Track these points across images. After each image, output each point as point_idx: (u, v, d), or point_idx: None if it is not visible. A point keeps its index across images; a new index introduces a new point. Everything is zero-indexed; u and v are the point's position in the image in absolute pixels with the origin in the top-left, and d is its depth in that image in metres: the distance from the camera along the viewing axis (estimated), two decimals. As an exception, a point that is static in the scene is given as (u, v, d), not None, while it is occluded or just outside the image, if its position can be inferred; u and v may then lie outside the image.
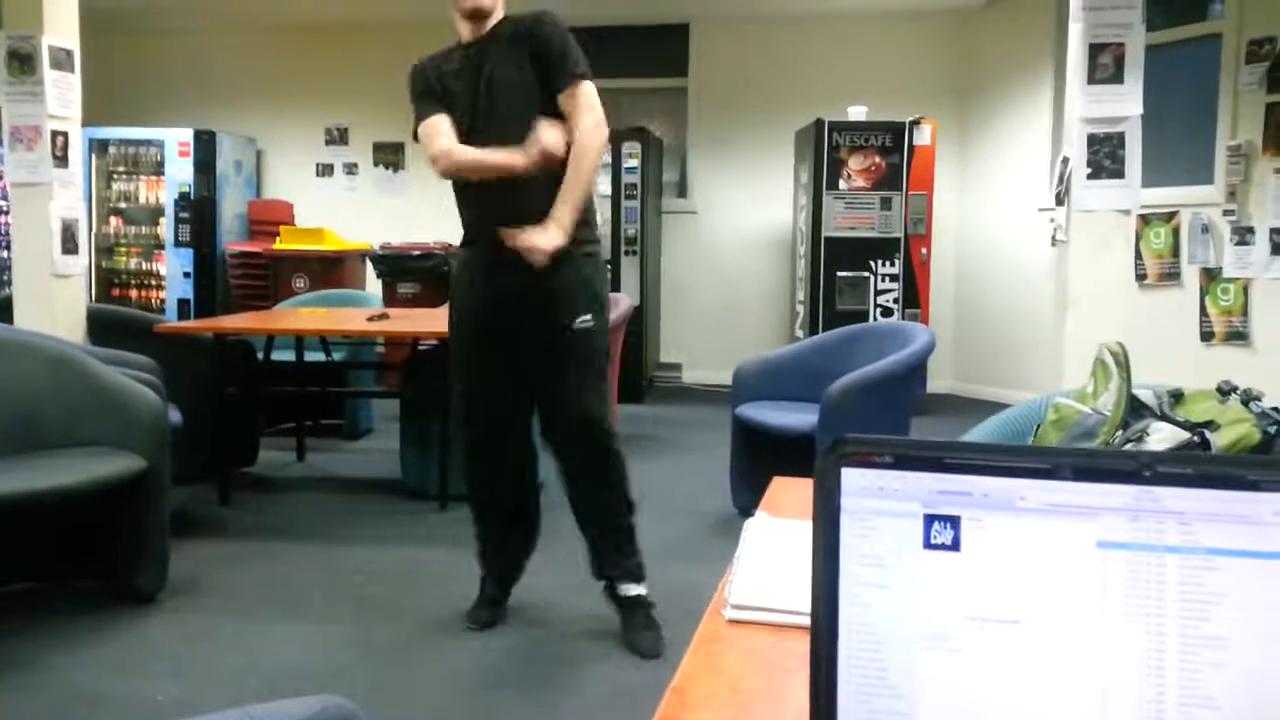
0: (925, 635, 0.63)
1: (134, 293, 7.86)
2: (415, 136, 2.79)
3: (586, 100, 2.66)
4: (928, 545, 0.65)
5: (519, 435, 2.94)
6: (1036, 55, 6.68)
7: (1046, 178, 6.61)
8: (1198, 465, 0.60)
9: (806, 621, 0.68)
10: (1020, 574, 0.62)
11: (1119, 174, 3.62)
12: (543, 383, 2.77)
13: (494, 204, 2.67)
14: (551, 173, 2.60)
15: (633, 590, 2.87)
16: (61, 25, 4.44)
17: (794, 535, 1.18)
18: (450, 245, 7.15)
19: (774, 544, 1.15)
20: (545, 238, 2.56)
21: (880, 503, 0.65)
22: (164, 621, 2.96)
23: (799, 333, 6.70)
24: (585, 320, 2.70)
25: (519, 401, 2.85)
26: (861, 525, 0.65)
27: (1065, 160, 3.72)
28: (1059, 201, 3.80)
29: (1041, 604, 0.62)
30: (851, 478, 0.65)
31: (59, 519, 3.13)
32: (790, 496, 1.45)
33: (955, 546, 0.65)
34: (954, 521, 0.65)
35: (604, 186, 6.92)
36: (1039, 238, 6.49)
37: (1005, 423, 2.12)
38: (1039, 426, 2.01)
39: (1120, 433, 1.86)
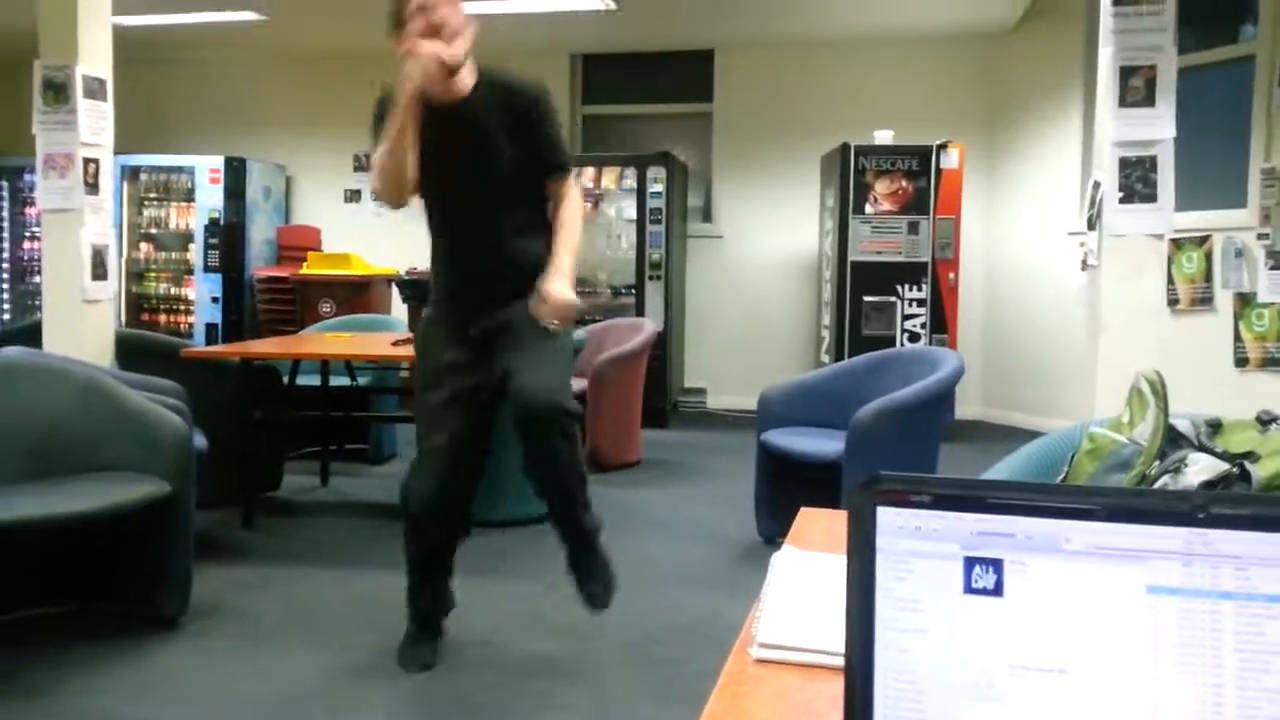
0: (967, 684, 0.60)
1: (163, 317, 7.94)
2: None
3: (572, 189, 2.81)
4: (968, 589, 0.62)
5: (471, 485, 2.88)
6: (1065, 78, 6.63)
7: (1076, 201, 6.55)
8: (1254, 507, 0.57)
9: (838, 662, 0.65)
10: (1067, 620, 0.59)
11: (1151, 198, 3.57)
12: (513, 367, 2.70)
13: (477, 271, 2.77)
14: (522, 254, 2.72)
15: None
16: (95, 55, 4.50)
17: (823, 570, 1.15)
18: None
19: (802, 579, 1.12)
20: (566, 291, 2.62)
21: (918, 544, 0.62)
22: (186, 646, 2.95)
23: (824, 358, 6.65)
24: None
25: (480, 457, 2.85)
26: (898, 567, 0.63)
27: (1097, 184, 3.68)
28: (1090, 226, 3.75)
29: (1089, 652, 0.59)
30: (887, 517, 0.63)
31: (82, 543, 3.13)
32: (818, 528, 1.41)
33: (998, 591, 0.62)
34: (996, 565, 0.62)
35: (629, 211, 6.93)
36: (1068, 262, 6.41)
37: (1038, 452, 2.08)
38: (1073, 456, 1.96)
39: (1157, 463, 1.81)
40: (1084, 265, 3.98)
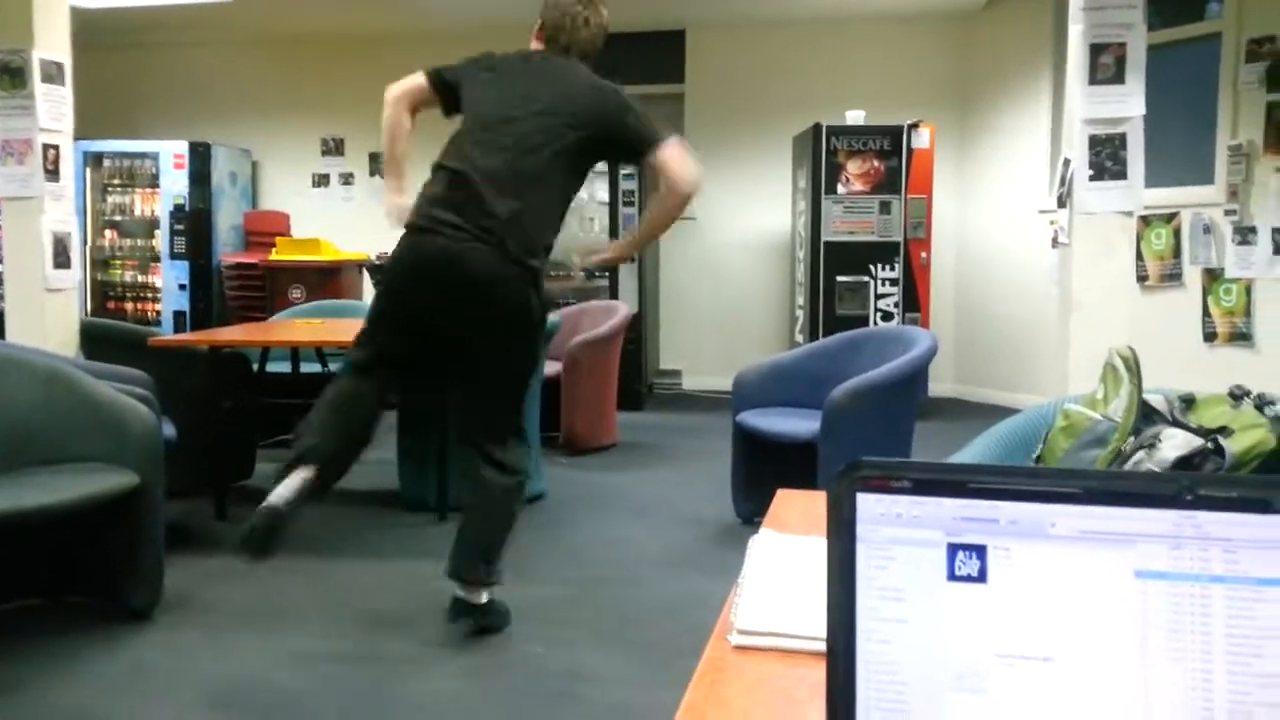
0: (951, 674, 0.59)
1: (130, 305, 7.82)
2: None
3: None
4: (952, 577, 0.61)
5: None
6: (1035, 57, 6.65)
7: (1046, 180, 6.57)
8: (1243, 488, 0.56)
9: (819, 647, 0.63)
10: (1053, 607, 0.58)
11: (1121, 175, 3.59)
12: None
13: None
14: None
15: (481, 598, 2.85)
16: (53, 39, 4.40)
17: (802, 552, 1.13)
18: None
19: (781, 563, 1.11)
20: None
21: (899, 531, 0.61)
22: (158, 639, 2.91)
23: (799, 338, 6.66)
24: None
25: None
26: (879, 555, 0.61)
27: (1067, 162, 3.69)
28: (1061, 204, 3.76)
29: (1076, 639, 0.57)
30: (868, 504, 0.61)
31: (50, 536, 3.08)
32: (795, 510, 1.40)
33: (981, 578, 0.60)
34: (980, 551, 0.60)
35: (601, 194, 6.89)
36: (1039, 240, 6.44)
37: (1013, 429, 2.08)
38: (1048, 433, 1.96)
39: (1132, 439, 1.82)
40: (1055, 243, 3.99)
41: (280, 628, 3.00)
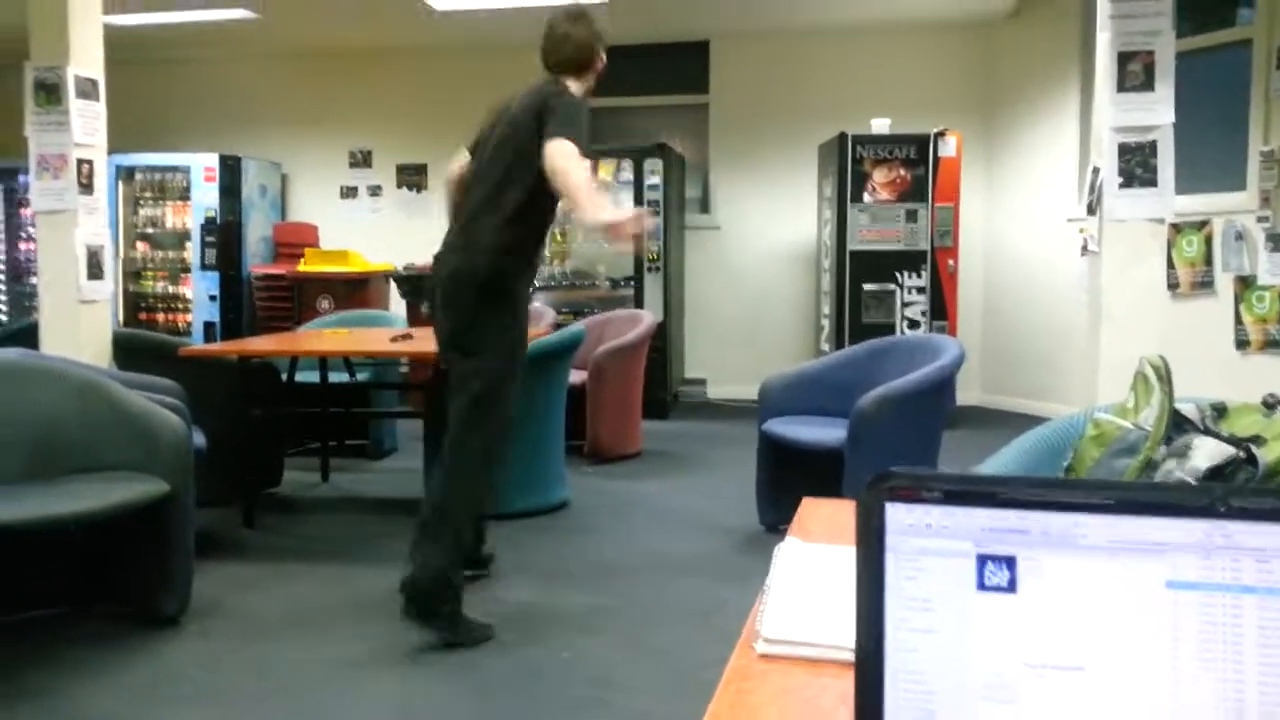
0: (980, 684, 0.59)
1: (161, 316, 7.92)
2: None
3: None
4: (981, 587, 0.61)
5: None
6: (1062, 64, 6.61)
7: (1075, 187, 6.53)
8: (1276, 499, 0.56)
9: (845, 656, 0.64)
10: (1083, 617, 0.58)
11: (1151, 183, 3.55)
12: None
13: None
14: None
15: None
16: (87, 56, 4.47)
17: (827, 561, 1.13)
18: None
19: (806, 571, 1.11)
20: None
21: (929, 541, 0.61)
22: (188, 645, 2.93)
23: (825, 347, 6.64)
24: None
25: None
26: (909, 565, 0.61)
27: (1096, 170, 3.66)
28: (1090, 211, 3.73)
29: (1107, 650, 0.57)
30: (897, 514, 0.61)
31: (82, 543, 3.12)
32: (821, 518, 1.40)
33: (1011, 588, 0.60)
34: (1009, 561, 0.60)
35: (627, 202, 6.91)
36: (1068, 248, 6.38)
37: (1042, 439, 2.06)
38: (1078, 442, 1.95)
39: (1163, 448, 1.80)
40: (1084, 251, 3.96)
41: (308, 634, 3.02)
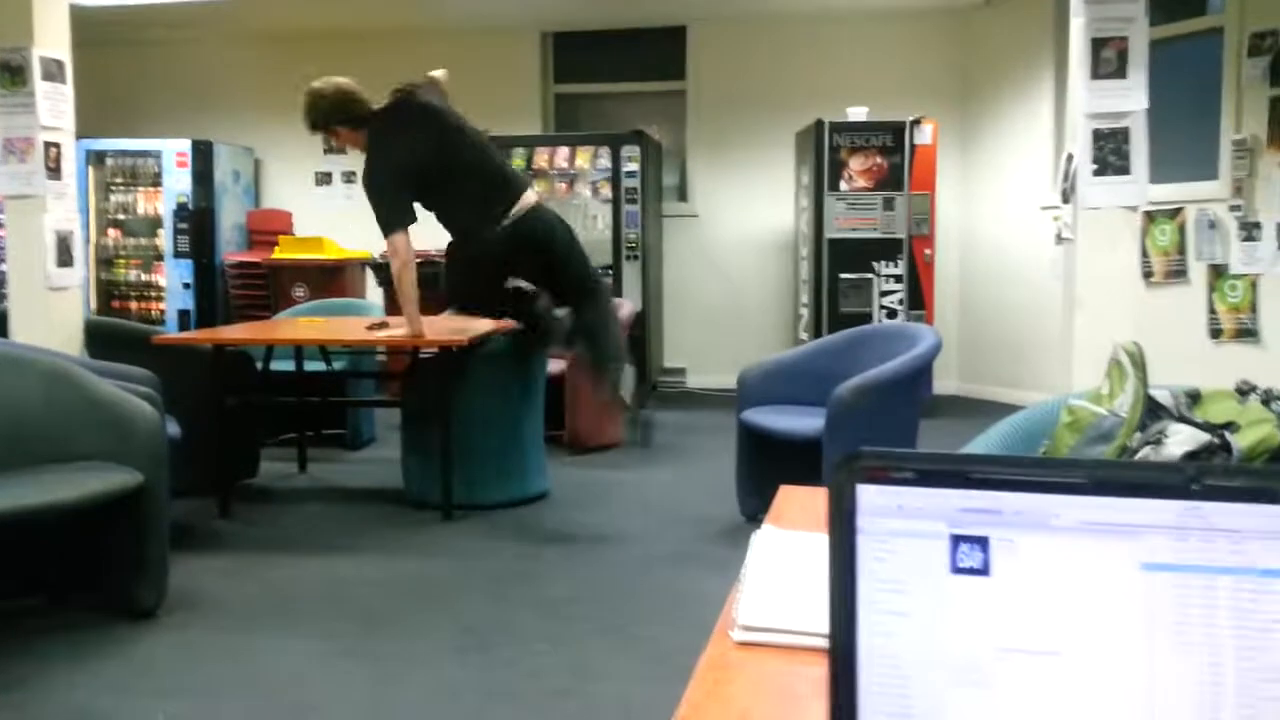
0: (953, 668, 0.58)
1: (134, 304, 7.82)
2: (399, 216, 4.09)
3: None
4: (954, 569, 0.60)
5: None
6: (1037, 52, 6.63)
7: (1050, 175, 6.56)
8: (1250, 478, 0.55)
9: (821, 643, 0.63)
10: (1057, 600, 0.57)
11: (1125, 170, 3.57)
12: None
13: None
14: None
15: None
16: (53, 36, 4.40)
17: (803, 548, 1.13)
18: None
19: (782, 558, 1.10)
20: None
21: (901, 522, 0.60)
22: (164, 637, 2.91)
23: (803, 335, 6.65)
24: None
25: None
26: (880, 547, 0.60)
27: (1070, 157, 3.67)
28: (1065, 199, 3.75)
29: (1081, 633, 0.57)
30: (869, 495, 0.60)
31: (55, 535, 3.08)
32: (798, 506, 1.40)
33: (984, 570, 0.60)
34: (982, 543, 0.60)
35: (605, 191, 6.88)
36: (1043, 236, 6.43)
37: (1018, 426, 2.07)
38: (1053, 429, 1.96)
39: (1138, 435, 1.81)
40: (1059, 239, 3.98)
41: (286, 626, 3.00)
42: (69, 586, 3.14)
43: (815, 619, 0.92)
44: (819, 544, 1.14)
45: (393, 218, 3.90)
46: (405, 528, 4.00)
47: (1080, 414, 1.91)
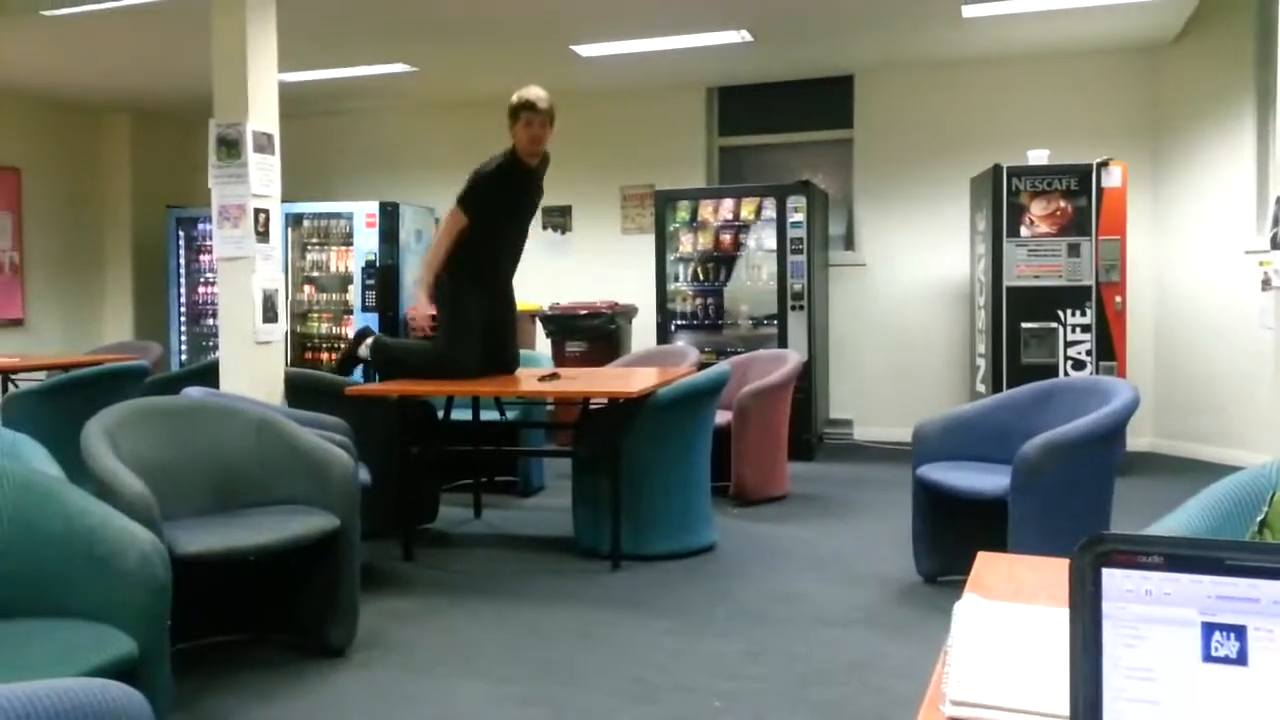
0: (1213, 766, 0.55)
1: (325, 356, 8.33)
2: (467, 209, 4.59)
3: None
4: (1207, 658, 0.57)
5: None
6: (1234, 88, 6.25)
7: (1252, 217, 6.14)
8: None
9: (1042, 725, 0.60)
10: (1331, 698, 0.53)
11: (1343, 212, 3.30)
12: None
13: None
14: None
15: None
16: (264, 111, 4.79)
17: (1012, 620, 1.08)
18: (616, 304, 7.27)
19: (991, 631, 1.06)
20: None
21: (1149, 608, 0.57)
22: (352, 676, 3.04)
23: (980, 387, 6.41)
24: None
25: None
26: (1127, 634, 0.58)
27: (1279, 201, 3.43)
28: (1274, 245, 3.50)
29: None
30: (1114, 579, 0.58)
31: (256, 574, 3.29)
32: (997, 574, 1.34)
33: (1241, 660, 0.56)
34: (1239, 631, 0.56)
35: (769, 242, 6.89)
36: (1247, 282, 6.01)
37: (1230, 492, 1.92)
38: (1273, 496, 1.81)
39: (1376, 503, 1.65)
40: (1265, 285, 3.71)
41: (464, 669, 3.09)
42: (267, 625, 3.34)
43: (1033, 695, 0.88)
44: (1029, 616, 1.10)
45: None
46: (575, 576, 4.06)
47: (1306, 479, 1.76)
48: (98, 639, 2.12)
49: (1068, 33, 6.53)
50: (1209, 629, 0.57)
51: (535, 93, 4.50)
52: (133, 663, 2.12)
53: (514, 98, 4.55)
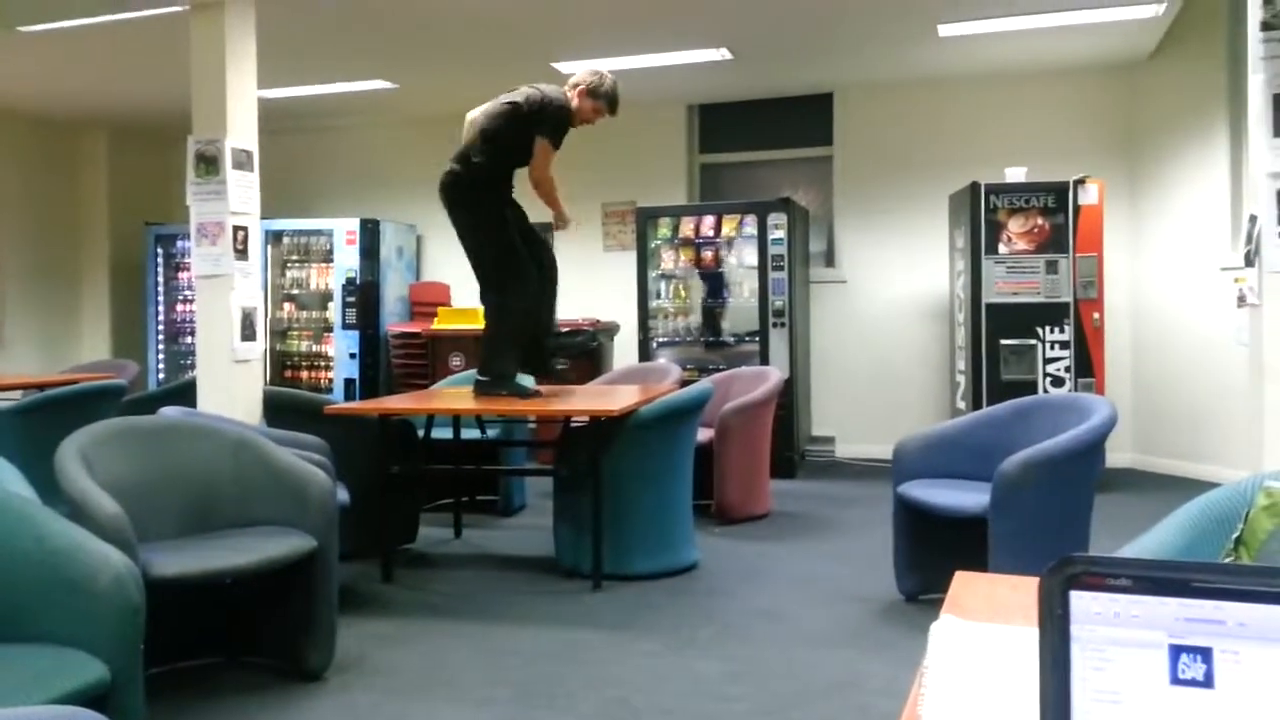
0: (1181, 790, 0.54)
1: (305, 374, 8.29)
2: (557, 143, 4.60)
3: None
4: (1175, 680, 0.57)
5: None
6: (1207, 107, 6.33)
7: (1228, 234, 6.21)
8: None
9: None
10: (1295, 721, 0.53)
11: (1315, 230, 3.33)
12: None
13: None
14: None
15: None
16: (242, 128, 4.78)
17: (989, 642, 1.08)
18: (598, 321, 7.27)
19: (967, 653, 1.05)
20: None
21: (1117, 631, 0.57)
22: (329, 700, 3.01)
23: (960, 404, 6.44)
24: None
25: None
26: (1096, 656, 0.57)
27: (1254, 218, 3.46)
28: (1249, 262, 3.52)
29: (1326, 759, 0.52)
30: (1083, 602, 0.58)
31: (232, 596, 3.26)
32: (976, 594, 1.34)
33: (1208, 682, 0.56)
34: (1205, 654, 0.56)
35: (750, 259, 6.91)
36: (1223, 298, 6.07)
37: (1206, 509, 1.93)
38: (1248, 513, 1.82)
39: (1349, 520, 1.66)
40: (1241, 302, 3.74)
41: (444, 692, 3.06)
42: (244, 647, 3.30)
43: (1008, 718, 0.88)
44: (1006, 638, 1.09)
45: None
46: (556, 596, 4.04)
47: (1279, 496, 1.77)
48: (69, 664, 2.09)
49: (1043, 52, 6.61)
50: (1176, 651, 0.57)
51: (618, 96, 4.54)
52: (105, 688, 2.09)
53: (607, 83, 4.49)
